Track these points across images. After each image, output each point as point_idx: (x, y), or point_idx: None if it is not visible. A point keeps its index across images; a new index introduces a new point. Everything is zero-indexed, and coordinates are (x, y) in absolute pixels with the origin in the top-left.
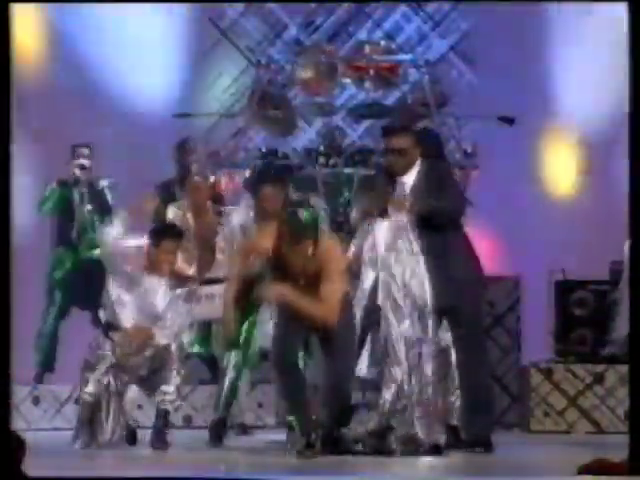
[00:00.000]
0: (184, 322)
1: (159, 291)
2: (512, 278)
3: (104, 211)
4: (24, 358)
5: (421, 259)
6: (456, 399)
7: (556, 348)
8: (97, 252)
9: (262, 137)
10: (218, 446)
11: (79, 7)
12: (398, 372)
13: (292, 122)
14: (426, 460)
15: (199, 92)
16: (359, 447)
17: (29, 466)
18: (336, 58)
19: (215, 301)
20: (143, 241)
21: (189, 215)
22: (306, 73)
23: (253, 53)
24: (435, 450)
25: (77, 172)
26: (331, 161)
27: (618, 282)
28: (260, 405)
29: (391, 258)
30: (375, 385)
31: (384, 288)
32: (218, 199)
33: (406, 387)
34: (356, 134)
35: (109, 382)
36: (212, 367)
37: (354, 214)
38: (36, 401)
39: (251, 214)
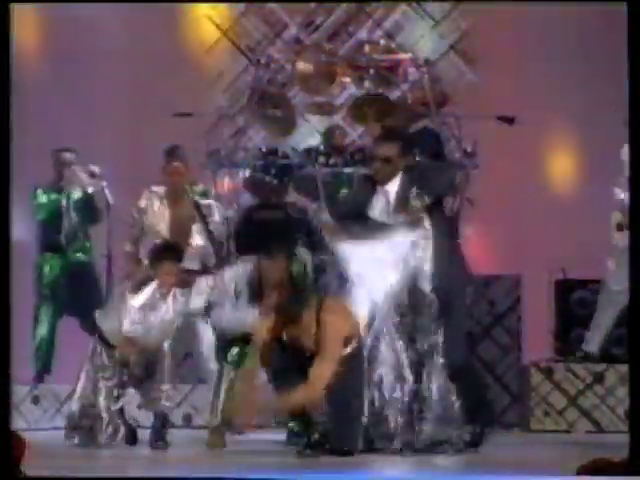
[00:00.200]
0: (172, 321)
1: (161, 310)
2: (512, 277)
3: (93, 216)
4: (24, 357)
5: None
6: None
7: (556, 347)
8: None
9: (262, 136)
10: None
11: (79, 6)
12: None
13: (292, 121)
14: (426, 459)
15: (199, 91)
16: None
17: (29, 466)
18: (336, 57)
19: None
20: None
21: (165, 201)
22: (306, 72)
23: (253, 52)
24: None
25: (67, 175)
26: (331, 160)
27: None
28: None
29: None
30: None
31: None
32: (195, 186)
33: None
34: (356, 133)
35: (107, 385)
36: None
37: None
38: (36, 400)
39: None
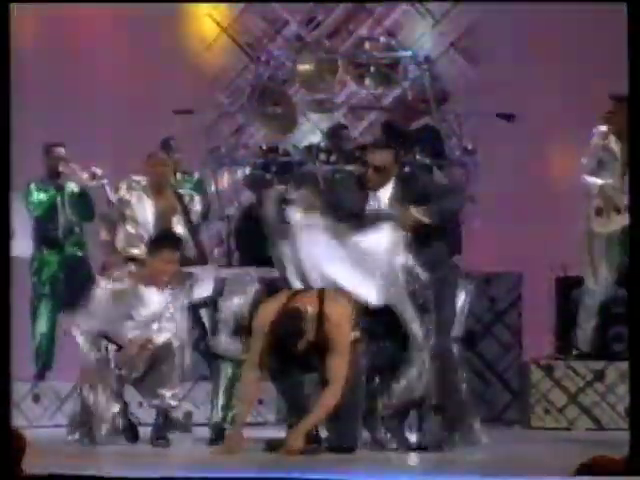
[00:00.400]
0: (182, 318)
1: (155, 299)
2: (513, 275)
3: (88, 212)
4: (24, 355)
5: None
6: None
7: (557, 345)
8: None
9: (262, 134)
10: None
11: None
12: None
13: (292, 119)
14: (426, 457)
15: (199, 88)
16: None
17: (29, 464)
18: (336, 55)
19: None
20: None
21: (147, 192)
22: (306, 70)
23: (253, 49)
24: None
25: (62, 171)
26: (332, 158)
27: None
28: (260, 402)
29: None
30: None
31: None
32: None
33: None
34: (357, 131)
35: (107, 383)
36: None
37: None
38: (37, 398)
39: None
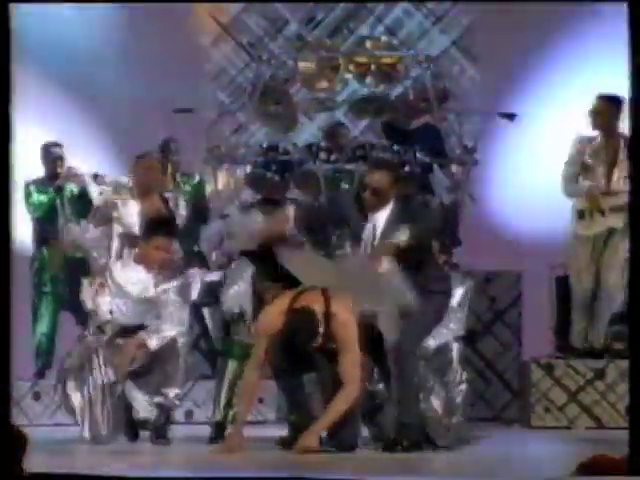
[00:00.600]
0: (183, 314)
1: (150, 284)
2: (513, 273)
3: (88, 211)
4: (25, 354)
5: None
6: (457, 395)
7: (557, 344)
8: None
9: (263, 133)
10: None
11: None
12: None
13: (293, 118)
14: (426, 457)
15: (200, 87)
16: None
17: (30, 462)
18: (337, 53)
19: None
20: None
21: (134, 194)
22: (307, 69)
23: (254, 48)
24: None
25: (60, 172)
26: (332, 156)
27: None
28: (261, 401)
29: None
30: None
31: None
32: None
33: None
34: (358, 130)
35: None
36: (213, 362)
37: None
38: (37, 397)
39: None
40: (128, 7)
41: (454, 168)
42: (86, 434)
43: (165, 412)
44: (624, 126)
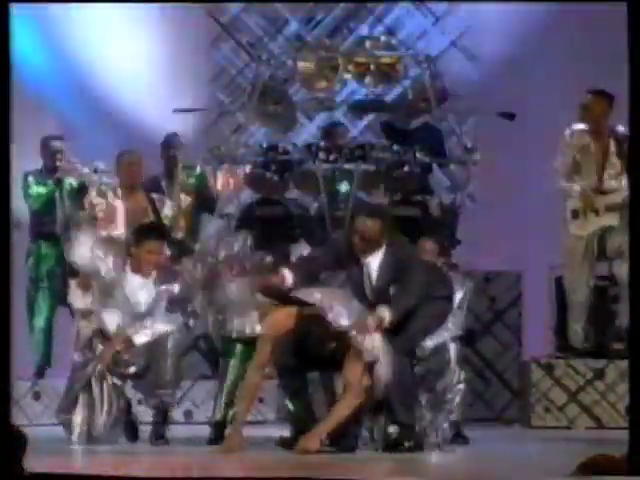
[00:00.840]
0: (174, 317)
1: (143, 289)
2: (513, 273)
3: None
4: (24, 353)
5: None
6: (455, 395)
7: (557, 344)
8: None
9: (263, 133)
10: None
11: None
12: None
13: (292, 118)
14: (425, 456)
15: (200, 87)
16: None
17: (30, 462)
18: (337, 53)
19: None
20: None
21: (119, 193)
22: (307, 69)
23: (254, 48)
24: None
25: (59, 165)
26: (331, 156)
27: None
28: (261, 401)
29: None
30: None
31: None
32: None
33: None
34: (357, 129)
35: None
36: (213, 362)
37: None
38: (37, 396)
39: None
40: (128, 7)
41: (454, 168)
42: (76, 439)
43: (162, 413)
44: (613, 123)
